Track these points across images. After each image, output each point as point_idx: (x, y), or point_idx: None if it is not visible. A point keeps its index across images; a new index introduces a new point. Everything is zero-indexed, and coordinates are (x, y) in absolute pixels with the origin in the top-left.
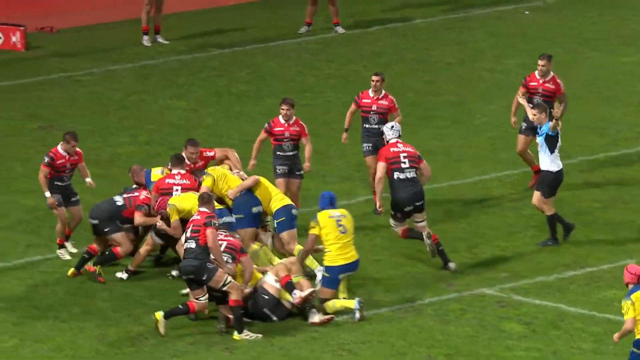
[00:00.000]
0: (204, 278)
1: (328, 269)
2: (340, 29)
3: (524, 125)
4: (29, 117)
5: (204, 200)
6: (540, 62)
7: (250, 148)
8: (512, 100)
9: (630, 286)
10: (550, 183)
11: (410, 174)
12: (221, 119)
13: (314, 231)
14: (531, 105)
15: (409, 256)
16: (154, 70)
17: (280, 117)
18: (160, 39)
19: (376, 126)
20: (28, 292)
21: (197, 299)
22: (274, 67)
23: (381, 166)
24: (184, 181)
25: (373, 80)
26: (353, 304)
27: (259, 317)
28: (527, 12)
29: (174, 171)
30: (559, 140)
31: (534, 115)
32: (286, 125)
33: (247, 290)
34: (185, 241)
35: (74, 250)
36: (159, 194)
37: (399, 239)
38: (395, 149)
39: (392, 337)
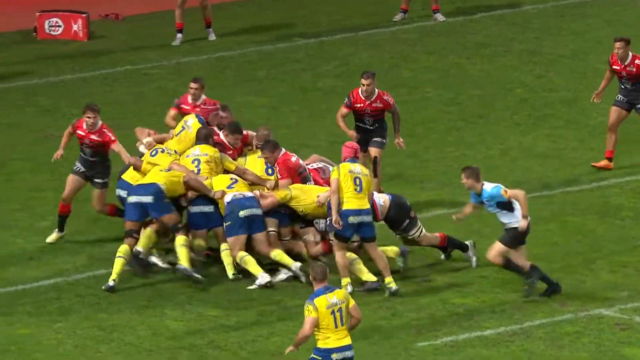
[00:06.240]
0: None
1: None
2: (440, 17)
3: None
4: None
5: None
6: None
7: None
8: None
9: (347, 159)
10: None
11: None
12: (306, 117)
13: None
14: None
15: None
16: (231, 62)
17: (359, 90)
18: (212, 36)
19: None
20: (91, 311)
21: None
22: (365, 60)
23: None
24: None
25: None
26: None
27: None
28: None
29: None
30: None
31: (463, 181)
32: (367, 102)
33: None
34: None
35: (52, 237)
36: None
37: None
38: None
39: None
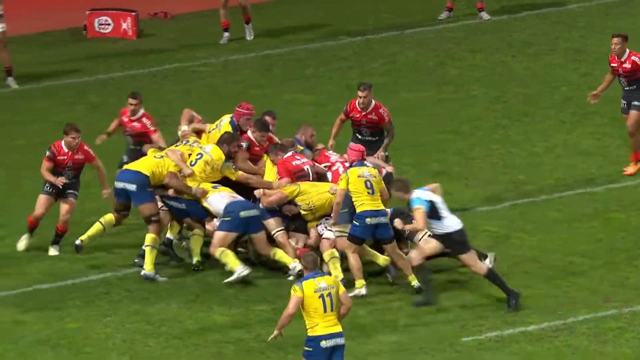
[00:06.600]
0: None
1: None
2: (485, 15)
3: None
4: None
5: None
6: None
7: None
8: None
9: (355, 163)
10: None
11: None
12: None
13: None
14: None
15: (559, 269)
16: (279, 60)
17: (357, 102)
18: (249, 34)
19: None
20: (139, 305)
21: None
22: (411, 58)
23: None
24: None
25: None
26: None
27: None
28: None
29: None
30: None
31: (393, 195)
32: (363, 113)
33: None
34: None
35: (55, 253)
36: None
37: (551, 252)
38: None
39: (542, 358)
